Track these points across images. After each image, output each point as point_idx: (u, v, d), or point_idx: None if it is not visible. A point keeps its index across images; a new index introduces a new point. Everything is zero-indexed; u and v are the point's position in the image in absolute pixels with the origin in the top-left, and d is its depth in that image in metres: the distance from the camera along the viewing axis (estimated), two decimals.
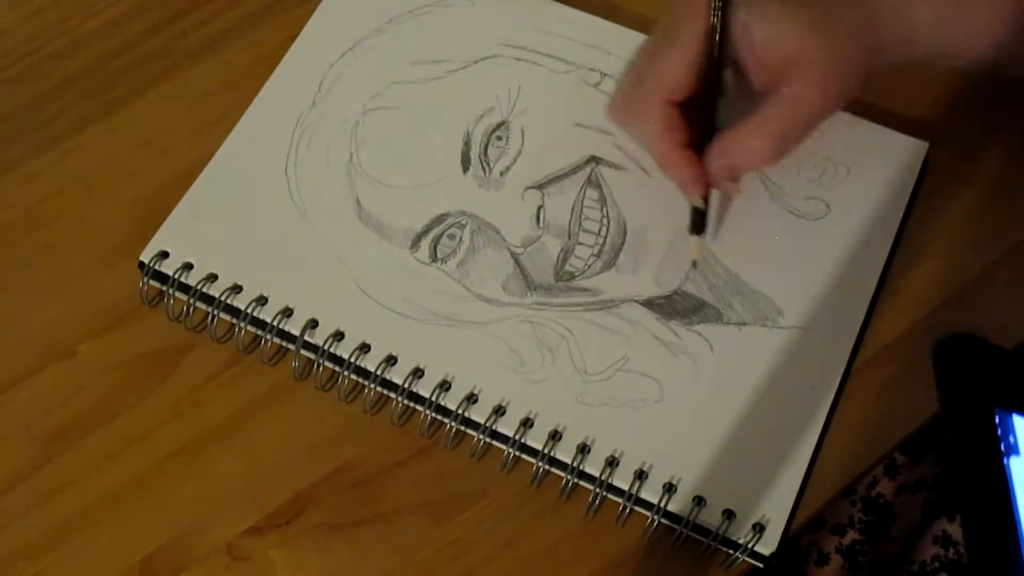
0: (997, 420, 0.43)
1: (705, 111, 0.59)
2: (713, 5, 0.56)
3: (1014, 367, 0.46)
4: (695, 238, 0.61)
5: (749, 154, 0.57)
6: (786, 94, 0.56)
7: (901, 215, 0.62)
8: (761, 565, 0.56)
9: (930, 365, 0.47)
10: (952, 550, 0.68)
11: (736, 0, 0.56)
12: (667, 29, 0.58)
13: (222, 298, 0.60)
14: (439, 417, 0.58)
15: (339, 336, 0.59)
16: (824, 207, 0.63)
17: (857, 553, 0.71)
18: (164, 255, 0.61)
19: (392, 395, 0.59)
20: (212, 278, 0.60)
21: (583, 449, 0.57)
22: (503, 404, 0.58)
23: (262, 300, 0.60)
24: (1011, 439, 0.43)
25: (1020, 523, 0.42)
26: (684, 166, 0.58)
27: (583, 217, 0.62)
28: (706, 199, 0.60)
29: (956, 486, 0.43)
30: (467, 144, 0.64)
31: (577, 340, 0.59)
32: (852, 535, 0.70)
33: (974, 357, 0.45)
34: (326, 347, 0.59)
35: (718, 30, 0.56)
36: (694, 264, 0.61)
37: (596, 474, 0.56)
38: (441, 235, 0.62)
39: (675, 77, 0.57)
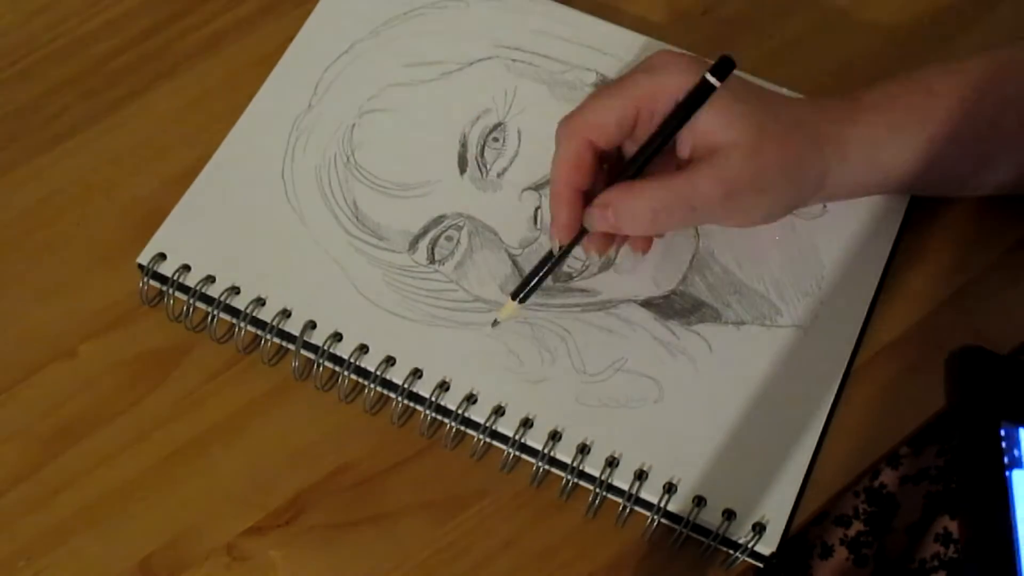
0: (1003, 433, 0.43)
1: (626, 169, 0.56)
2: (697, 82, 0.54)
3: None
4: (511, 302, 0.58)
5: (629, 214, 0.55)
6: (690, 174, 0.55)
7: (901, 215, 0.62)
8: (761, 565, 0.56)
9: (930, 365, 0.47)
10: (952, 548, 0.67)
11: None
12: (647, 70, 0.56)
13: (221, 298, 0.60)
14: (439, 417, 0.58)
15: (338, 337, 0.59)
16: (821, 205, 0.62)
17: (862, 545, 0.70)
18: (162, 257, 0.61)
19: (392, 395, 0.59)
20: (210, 280, 0.60)
21: (583, 449, 0.57)
22: (503, 404, 0.58)
23: (260, 302, 0.60)
24: (1016, 452, 0.43)
25: (1017, 535, 0.42)
26: (565, 207, 0.56)
27: None
28: (565, 250, 0.57)
29: (958, 496, 0.43)
30: (464, 146, 0.64)
31: (576, 341, 0.59)
32: (857, 526, 0.70)
33: (985, 369, 0.45)
34: (326, 347, 0.59)
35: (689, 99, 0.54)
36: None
37: (596, 474, 0.56)
38: (439, 237, 0.62)
39: (602, 121, 0.55)
